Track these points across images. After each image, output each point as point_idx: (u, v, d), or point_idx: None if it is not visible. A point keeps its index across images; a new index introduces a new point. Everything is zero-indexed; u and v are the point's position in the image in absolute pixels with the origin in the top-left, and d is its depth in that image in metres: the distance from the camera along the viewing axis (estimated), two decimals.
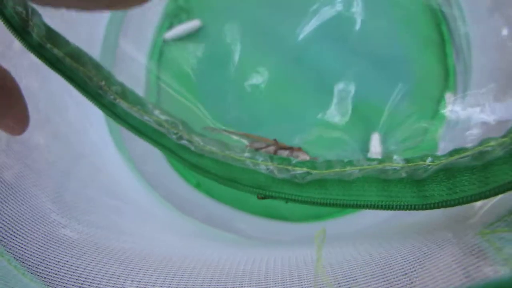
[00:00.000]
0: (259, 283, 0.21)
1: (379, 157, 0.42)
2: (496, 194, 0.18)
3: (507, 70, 0.36)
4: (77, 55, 0.23)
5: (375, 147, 0.42)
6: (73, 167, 0.33)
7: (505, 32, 0.37)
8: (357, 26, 0.45)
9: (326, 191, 0.22)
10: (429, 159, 0.20)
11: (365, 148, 0.43)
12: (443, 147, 0.42)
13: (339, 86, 0.44)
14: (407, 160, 0.21)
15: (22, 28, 0.21)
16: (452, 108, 0.43)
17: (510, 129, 0.18)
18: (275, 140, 0.26)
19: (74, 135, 0.37)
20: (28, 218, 0.24)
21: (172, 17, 0.48)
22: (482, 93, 0.38)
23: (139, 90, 0.47)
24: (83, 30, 0.39)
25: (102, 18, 0.41)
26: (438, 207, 0.19)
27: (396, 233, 0.25)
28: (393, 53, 0.45)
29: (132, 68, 0.46)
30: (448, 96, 0.44)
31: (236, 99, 0.46)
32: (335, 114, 0.44)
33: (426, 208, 0.20)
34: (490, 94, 0.38)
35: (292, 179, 0.23)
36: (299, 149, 0.25)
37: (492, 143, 0.18)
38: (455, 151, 0.20)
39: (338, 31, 0.46)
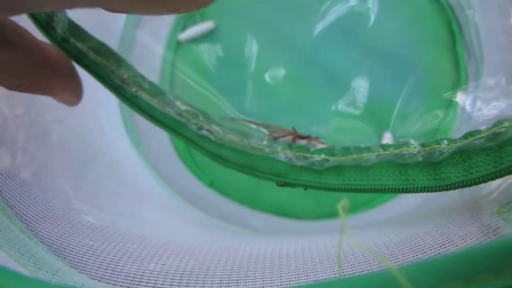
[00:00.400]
0: (281, 266, 0.21)
1: None
2: (511, 172, 0.18)
3: None
4: (100, 49, 0.24)
5: None
6: (91, 163, 0.34)
7: None
8: (368, 23, 0.46)
9: (343, 177, 0.23)
10: (444, 142, 0.21)
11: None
12: None
13: (351, 82, 0.45)
14: (423, 145, 0.21)
15: (47, 23, 0.22)
16: (464, 105, 0.44)
17: None
18: (293, 129, 0.26)
19: (91, 134, 0.38)
20: (53, 205, 0.24)
21: (186, 19, 0.49)
22: (492, 87, 0.39)
23: None
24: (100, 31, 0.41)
25: (120, 17, 0.42)
26: (455, 188, 0.20)
27: (416, 219, 0.25)
28: (403, 50, 0.46)
29: (147, 70, 0.47)
30: (460, 93, 0.44)
31: (250, 99, 0.47)
32: (346, 110, 0.44)
33: (442, 190, 0.20)
34: (499, 88, 0.38)
35: (311, 166, 0.23)
36: (317, 138, 0.26)
37: (506, 124, 0.19)
38: (470, 134, 0.20)
39: (349, 28, 0.46)
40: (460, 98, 0.44)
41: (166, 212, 0.35)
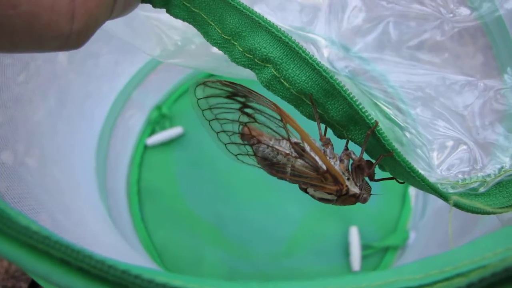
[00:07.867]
0: None
1: (358, 250, 0.44)
2: None
3: None
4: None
5: (354, 241, 0.44)
6: None
7: None
8: None
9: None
10: None
11: (344, 241, 0.45)
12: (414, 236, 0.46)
13: None
14: None
15: None
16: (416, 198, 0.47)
17: None
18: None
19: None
20: None
21: (154, 124, 0.50)
22: None
23: (121, 193, 0.47)
24: (79, 139, 0.41)
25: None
26: None
27: None
28: None
29: (116, 171, 0.47)
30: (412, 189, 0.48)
31: (219, 200, 0.48)
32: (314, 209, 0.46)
33: None
34: None
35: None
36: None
37: None
38: None
39: None
40: (412, 193, 0.48)
41: None
